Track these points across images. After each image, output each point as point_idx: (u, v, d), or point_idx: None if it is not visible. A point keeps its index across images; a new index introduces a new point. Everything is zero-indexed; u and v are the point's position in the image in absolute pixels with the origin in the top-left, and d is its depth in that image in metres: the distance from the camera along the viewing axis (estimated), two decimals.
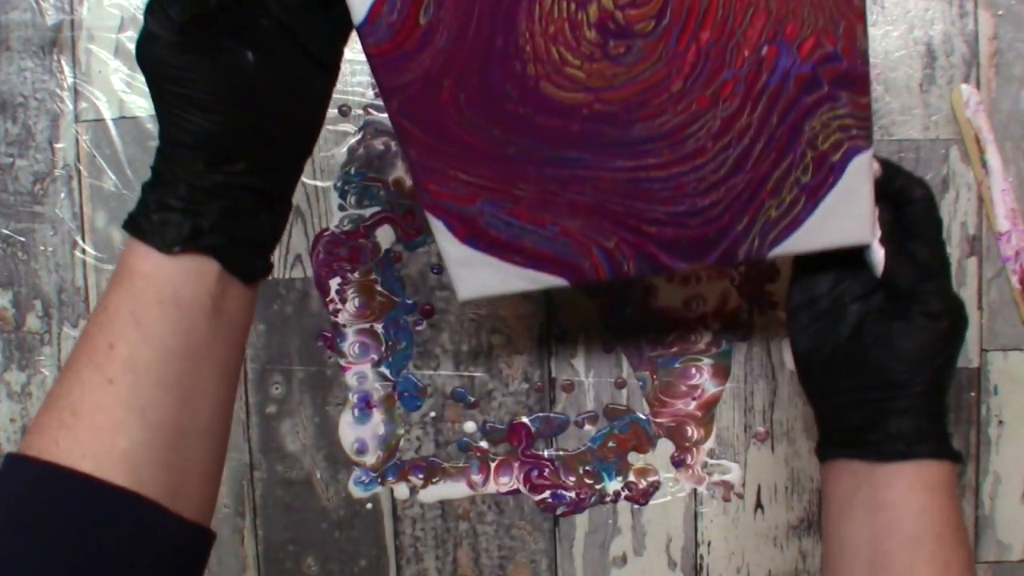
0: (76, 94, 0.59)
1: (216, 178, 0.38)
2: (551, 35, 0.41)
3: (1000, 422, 0.59)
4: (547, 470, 0.60)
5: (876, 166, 0.43)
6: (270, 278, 0.59)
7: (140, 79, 0.59)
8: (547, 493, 0.60)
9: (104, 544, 0.35)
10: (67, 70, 0.59)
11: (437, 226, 0.44)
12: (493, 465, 0.60)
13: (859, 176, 0.42)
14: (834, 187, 0.42)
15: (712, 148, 0.42)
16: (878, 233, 0.43)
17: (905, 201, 0.43)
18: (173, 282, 0.37)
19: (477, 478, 0.60)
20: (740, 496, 0.60)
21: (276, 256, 0.59)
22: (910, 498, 0.40)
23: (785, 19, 0.40)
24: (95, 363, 0.36)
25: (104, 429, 0.35)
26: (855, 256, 0.44)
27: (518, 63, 0.41)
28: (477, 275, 0.45)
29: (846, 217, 0.42)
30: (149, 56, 0.37)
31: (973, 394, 0.59)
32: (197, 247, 0.37)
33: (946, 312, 0.41)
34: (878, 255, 0.43)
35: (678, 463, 0.60)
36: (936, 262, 0.42)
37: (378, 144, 0.59)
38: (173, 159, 0.38)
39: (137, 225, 0.38)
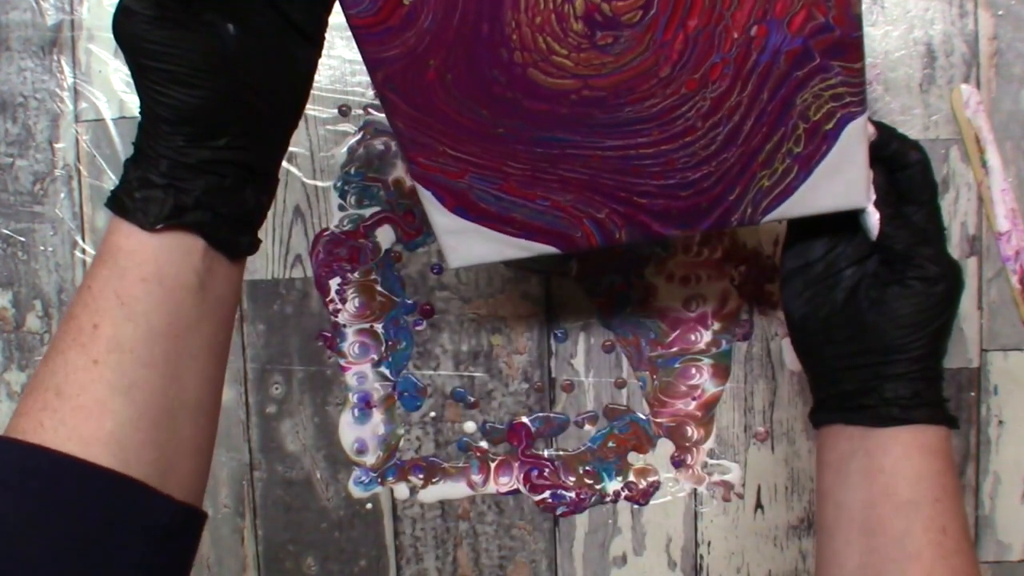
0: (76, 94, 0.59)
1: (199, 153, 0.37)
2: (537, 25, 0.41)
3: (1000, 422, 0.59)
4: (547, 470, 0.60)
5: (871, 129, 0.43)
6: (270, 278, 0.59)
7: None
8: (547, 493, 0.60)
9: (92, 526, 0.34)
10: (67, 70, 0.59)
11: (426, 196, 0.44)
12: (493, 465, 0.60)
13: (853, 141, 0.42)
14: (827, 155, 0.42)
15: (702, 126, 0.42)
16: (873, 197, 0.43)
17: (900, 165, 0.43)
18: (157, 260, 0.36)
19: (477, 478, 0.60)
20: (740, 496, 0.60)
21: (275, 254, 0.59)
22: (906, 463, 0.40)
23: None
24: (79, 344, 0.36)
25: (90, 410, 0.35)
26: (849, 220, 0.44)
27: (504, 50, 0.41)
28: (467, 243, 0.45)
29: (840, 182, 0.43)
30: (126, 31, 0.36)
31: (973, 394, 0.59)
32: (181, 223, 0.37)
33: (942, 276, 0.41)
34: (873, 219, 0.43)
35: (678, 463, 0.60)
36: (931, 226, 0.42)
37: (378, 144, 0.59)
38: (154, 135, 0.37)
39: (120, 203, 0.37)
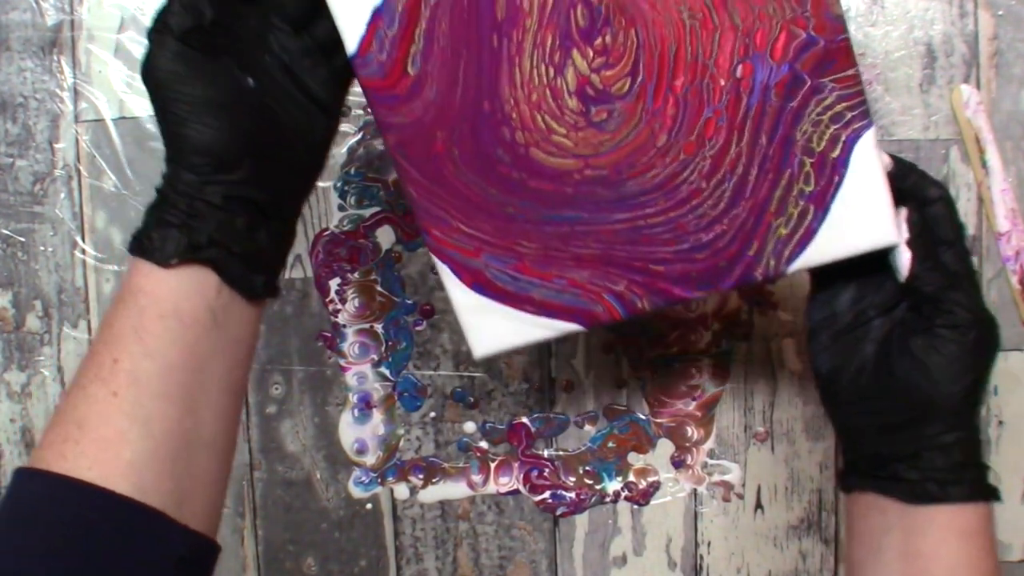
0: (76, 94, 0.59)
1: (213, 188, 0.38)
2: (534, 103, 0.41)
3: (1000, 422, 0.59)
4: (547, 470, 0.60)
5: (886, 159, 0.41)
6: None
7: (140, 79, 0.59)
8: (547, 493, 0.60)
9: (110, 551, 0.35)
10: (67, 70, 0.59)
11: (443, 270, 0.44)
12: (493, 465, 0.60)
13: (866, 164, 0.40)
14: (841, 186, 0.40)
15: (707, 187, 0.41)
16: (906, 235, 0.40)
17: (921, 201, 0.40)
18: (174, 296, 0.38)
19: (477, 478, 0.60)
20: (740, 496, 0.60)
21: None
22: (944, 548, 0.39)
23: (753, 28, 0.40)
24: (100, 378, 0.37)
25: (109, 440, 0.36)
26: (876, 265, 0.41)
27: (507, 129, 0.42)
28: (490, 324, 0.44)
29: (862, 216, 0.40)
30: (151, 68, 0.38)
31: None
32: (195, 259, 0.38)
33: (973, 323, 0.39)
34: (904, 258, 0.40)
35: (678, 463, 0.60)
36: (961, 269, 0.40)
37: (378, 144, 0.59)
38: (174, 175, 0.39)
39: (139, 243, 0.39)
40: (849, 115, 0.40)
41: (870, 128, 0.40)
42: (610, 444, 0.60)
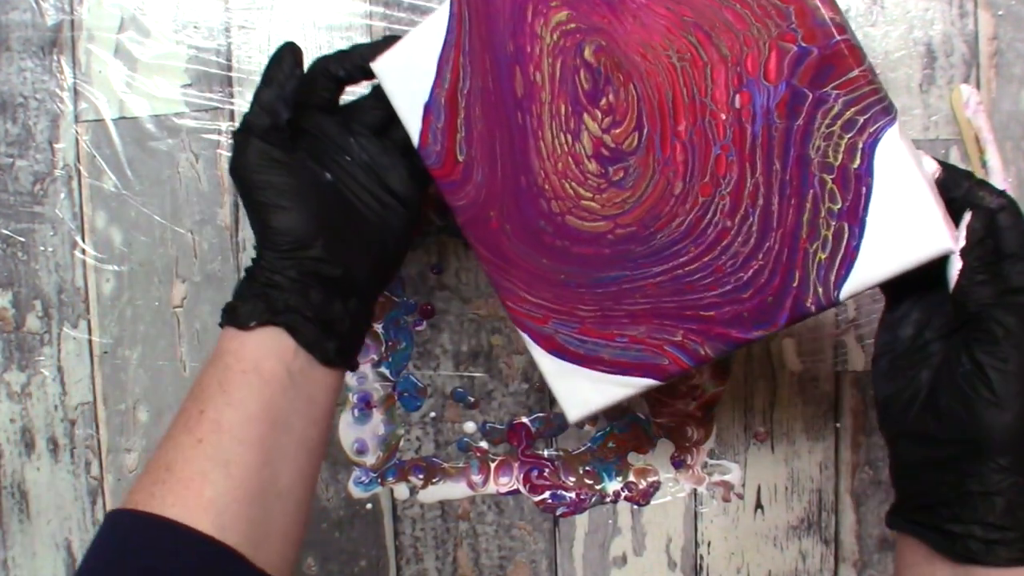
0: (76, 94, 0.59)
1: (290, 264, 0.43)
2: (561, 171, 0.43)
3: None
4: (547, 470, 0.60)
5: (934, 166, 0.37)
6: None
7: (140, 79, 0.59)
8: (547, 494, 0.60)
9: None
10: (67, 70, 0.59)
11: (525, 339, 0.46)
12: (493, 465, 0.60)
13: (896, 167, 0.36)
14: (871, 197, 0.37)
15: (733, 224, 0.41)
16: (962, 243, 0.36)
17: (980, 212, 0.37)
18: (255, 355, 0.42)
19: (477, 478, 0.60)
20: (740, 496, 0.60)
21: None
22: None
23: (742, 56, 0.39)
24: (188, 428, 0.41)
25: (192, 480, 0.39)
26: (942, 281, 0.37)
27: (543, 201, 0.44)
28: (576, 387, 0.46)
29: (905, 225, 0.37)
30: (237, 164, 0.44)
31: None
32: (272, 322, 0.42)
33: (1017, 349, 0.35)
34: (954, 269, 0.36)
35: (678, 463, 0.60)
36: (1021, 285, 0.36)
37: None
38: (258, 255, 0.44)
39: (226, 314, 0.43)
40: (861, 119, 0.37)
41: (890, 127, 0.37)
42: (610, 444, 0.60)
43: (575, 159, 0.43)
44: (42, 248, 0.60)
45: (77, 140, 0.59)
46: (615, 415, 0.60)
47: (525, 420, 0.60)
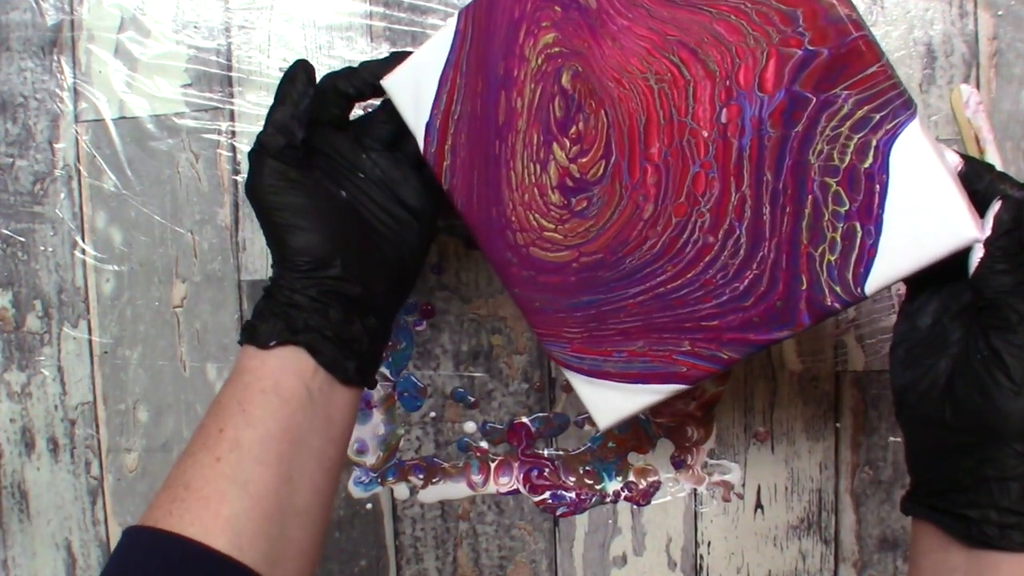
0: (76, 94, 0.59)
1: (309, 283, 0.43)
2: (527, 203, 0.43)
3: None
4: (547, 470, 0.60)
5: (955, 159, 0.37)
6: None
7: (140, 79, 0.59)
8: (547, 494, 0.60)
9: None
10: (67, 70, 0.59)
11: (549, 352, 0.46)
12: (493, 465, 0.60)
13: (917, 162, 0.36)
14: (887, 193, 0.36)
15: (716, 239, 0.40)
16: (988, 232, 0.36)
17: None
18: (274, 374, 0.42)
19: (477, 478, 0.60)
20: (740, 496, 0.60)
21: None
22: None
23: (733, 69, 0.38)
24: (207, 446, 0.41)
25: (210, 498, 0.39)
26: (961, 270, 0.37)
27: (510, 232, 0.44)
28: (604, 397, 0.44)
29: (931, 217, 0.36)
30: (252, 185, 0.44)
31: None
32: (292, 342, 0.42)
33: None
34: (976, 256, 0.36)
35: (678, 463, 0.60)
36: None
37: None
38: (277, 274, 0.44)
39: (246, 333, 0.43)
40: (876, 116, 0.36)
41: (910, 123, 0.36)
42: (610, 444, 0.60)
43: (540, 190, 0.43)
44: (42, 248, 0.60)
45: (77, 140, 0.59)
46: None
47: (525, 420, 0.60)
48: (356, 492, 0.61)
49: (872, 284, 0.38)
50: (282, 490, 0.40)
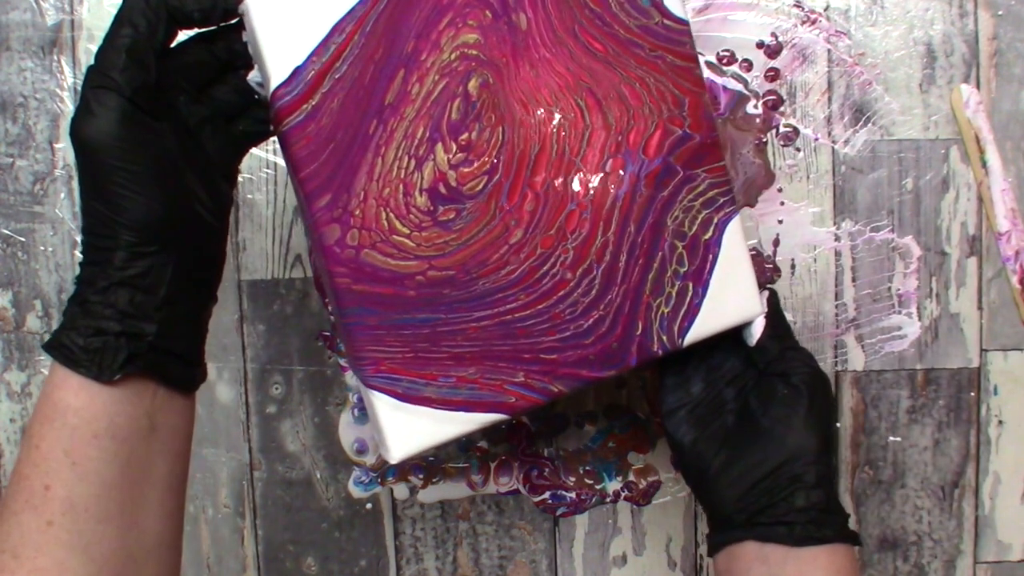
0: (76, 94, 0.59)
1: (137, 264, 0.35)
2: (384, 198, 0.39)
3: (1000, 422, 0.59)
4: (547, 470, 0.60)
5: (754, 241, 0.46)
6: (270, 278, 0.59)
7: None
8: (547, 494, 0.60)
9: None
10: (67, 70, 0.59)
11: (352, 367, 0.43)
12: (493, 465, 0.60)
13: (737, 244, 0.43)
14: (716, 265, 0.43)
15: (574, 276, 0.41)
16: (764, 307, 0.44)
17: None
18: (109, 412, 0.35)
19: (477, 478, 0.60)
20: None
21: (275, 254, 0.59)
22: None
23: (627, 127, 0.41)
24: (32, 506, 0.35)
25: (47, 570, 0.34)
26: (724, 339, 0.44)
27: (343, 227, 0.39)
28: (410, 424, 0.41)
29: (735, 291, 0.43)
30: (88, 131, 0.34)
31: (973, 394, 0.59)
32: (136, 371, 0.35)
33: (815, 374, 0.43)
34: (757, 326, 0.44)
35: (678, 463, 0.60)
36: (789, 337, 0.45)
37: None
38: (101, 258, 0.36)
39: (67, 352, 0.35)
40: (721, 199, 0.42)
41: (738, 214, 0.43)
42: (610, 444, 0.60)
43: (406, 188, 0.39)
44: (42, 248, 0.60)
45: None
46: (615, 415, 0.60)
47: (525, 420, 0.60)
48: (356, 492, 0.61)
49: (690, 337, 0.43)
50: (129, 538, 0.36)
